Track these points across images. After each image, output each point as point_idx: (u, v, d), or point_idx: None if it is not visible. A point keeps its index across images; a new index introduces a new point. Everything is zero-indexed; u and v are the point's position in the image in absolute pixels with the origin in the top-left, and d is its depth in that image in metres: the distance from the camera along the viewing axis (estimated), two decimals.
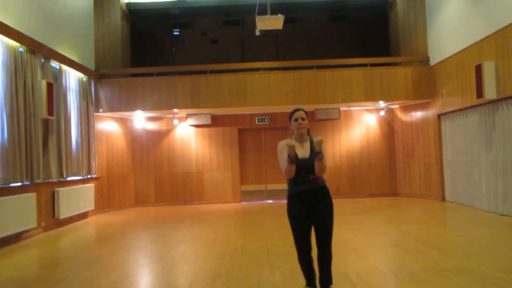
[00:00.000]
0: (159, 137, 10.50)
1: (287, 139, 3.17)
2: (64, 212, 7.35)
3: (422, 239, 5.27)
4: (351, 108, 10.34)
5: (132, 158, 10.34)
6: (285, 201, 3.15)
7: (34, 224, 6.48)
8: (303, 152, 3.06)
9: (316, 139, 2.92)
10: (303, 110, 3.14)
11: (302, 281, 3.23)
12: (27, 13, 6.73)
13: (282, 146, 3.07)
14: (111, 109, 9.27)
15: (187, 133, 10.51)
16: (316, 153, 2.93)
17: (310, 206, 3.04)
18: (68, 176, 7.69)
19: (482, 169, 7.49)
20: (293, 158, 2.90)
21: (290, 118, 3.15)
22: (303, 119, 3.09)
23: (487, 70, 6.86)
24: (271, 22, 6.93)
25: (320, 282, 3.06)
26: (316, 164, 2.96)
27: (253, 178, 10.77)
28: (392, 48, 10.53)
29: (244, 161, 10.68)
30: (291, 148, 2.87)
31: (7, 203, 5.82)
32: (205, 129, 10.50)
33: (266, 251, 4.69)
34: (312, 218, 3.05)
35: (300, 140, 3.11)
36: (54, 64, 7.53)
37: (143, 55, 10.80)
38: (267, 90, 9.23)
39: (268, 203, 10.13)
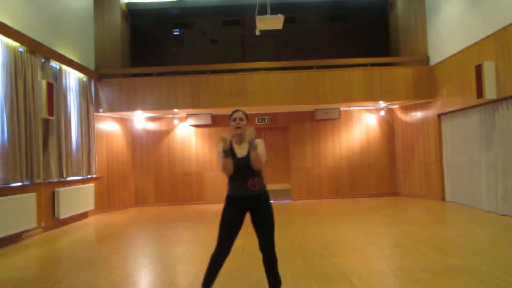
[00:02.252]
0: (159, 137, 10.50)
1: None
2: (64, 212, 7.35)
3: (422, 239, 5.27)
4: (351, 108, 10.34)
5: (132, 158, 10.34)
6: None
7: (34, 224, 6.48)
8: (241, 152, 3.09)
9: (248, 129, 3.01)
10: (243, 112, 3.18)
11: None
12: (27, 13, 6.73)
13: (221, 149, 3.10)
14: (111, 109, 9.27)
15: (187, 133, 10.51)
16: (248, 143, 3.01)
17: (246, 211, 3.07)
18: (68, 176, 7.68)
19: (482, 169, 7.49)
20: (227, 152, 2.97)
21: (230, 117, 3.19)
22: (241, 119, 3.11)
23: (487, 70, 6.86)
24: (271, 22, 6.93)
25: (270, 286, 3.08)
26: (251, 153, 2.99)
27: None
28: (392, 48, 10.52)
29: None
30: (224, 140, 2.96)
31: (7, 203, 5.82)
32: (205, 129, 10.50)
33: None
34: (253, 225, 3.08)
35: (239, 140, 3.14)
36: (54, 64, 7.53)
37: (143, 55, 10.81)
38: (267, 90, 9.23)
39: None
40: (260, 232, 3.06)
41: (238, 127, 3.09)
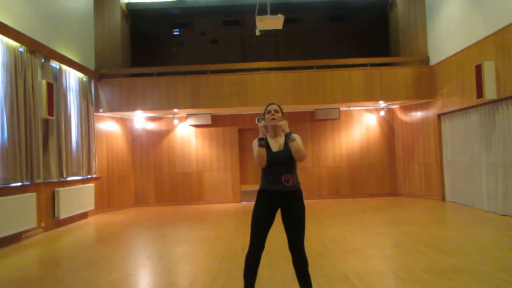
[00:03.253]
0: (159, 137, 10.50)
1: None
2: (64, 212, 7.35)
3: (422, 239, 5.27)
4: (351, 108, 10.34)
5: (132, 158, 10.34)
6: None
7: (34, 224, 6.48)
8: (276, 146, 3.04)
9: (281, 122, 2.97)
10: (278, 105, 3.14)
11: None
12: (27, 13, 6.73)
13: (256, 142, 3.06)
14: (111, 109, 9.27)
15: (187, 133, 10.51)
16: (285, 136, 2.98)
17: (278, 207, 2.99)
18: (68, 176, 7.68)
19: (482, 169, 7.49)
20: (262, 141, 2.93)
21: (264, 112, 3.13)
22: (276, 111, 3.07)
23: (487, 70, 6.86)
24: (271, 22, 6.92)
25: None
26: (291, 145, 2.96)
27: (253, 178, 10.77)
28: (392, 48, 10.52)
29: (244, 161, 10.68)
30: (261, 129, 2.93)
31: (7, 203, 5.82)
32: (205, 129, 10.50)
33: (266, 251, 4.68)
34: (283, 221, 3.00)
35: (274, 134, 3.09)
36: (54, 64, 7.53)
37: (143, 55, 10.81)
38: (267, 90, 9.23)
39: None
40: (291, 230, 2.96)
41: (273, 119, 3.03)
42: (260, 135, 2.93)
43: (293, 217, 2.97)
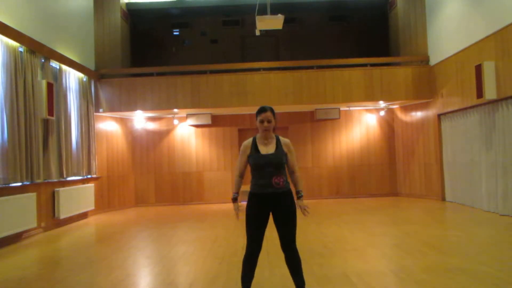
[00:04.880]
0: (159, 137, 10.50)
1: (249, 139, 3.14)
2: (64, 212, 7.35)
3: (422, 239, 5.27)
4: (351, 108, 10.34)
5: (132, 158, 10.34)
6: None
7: (34, 224, 6.48)
8: (267, 149, 3.04)
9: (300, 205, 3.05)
10: (271, 111, 3.06)
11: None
12: (27, 13, 6.73)
13: (244, 148, 3.10)
14: (111, 109, 9.27)
15: (187, 133, 10.51)
16: (297, 192, 3.09)
17: (271, 209, 3.03)
18: (68, 176, 7.68)
19: (482, 169, 7.49)
20: (235, 208, 3.15)
21: (256, 115, 3.08)
22: (269, 121, 3.02)
23: (487, 70, 6.86)
24: (271, 22, 6.93)
25: (296, 285, 3.04)
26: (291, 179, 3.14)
27: None
28: (392, 48, 10.52)
29: None
30: (236, 211, 3.15)
31: (7, 203, 5.82)
32: (205, 129, 10.50)
33: (266, 251, 4.69)
34: (274, 222, 3.04)
35: (264, 137, 3.08)
36: (54, 64, 7.53)
37: (143, 55, 10.81)
38: (267, 90, 9.23)
39: None
40: (282, 228, 2.99)
41: (266, 130, 3.03)
42: (234, 208, 3.18)
43: (284, 217, 3.00)
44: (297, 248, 3.04)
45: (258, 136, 3.11)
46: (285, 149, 3.06)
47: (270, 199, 2.99)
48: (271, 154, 3.00)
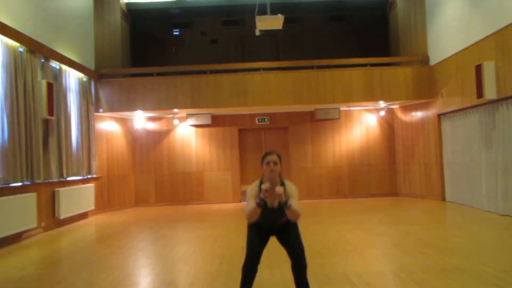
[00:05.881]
0: (159, 137, 10.50)
1: (256, 181, 3.14)
2: (64, 212, 7.35)
3: (422, 239, 5.27)
4: (351, 108, 10.34)
5: (132, 158, 10.34)
6: None
7: (34, 224, 6.48)
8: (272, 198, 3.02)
9: (278, 190, 2.82)
10: (276, 154, 3.07)
11: None
12: (27, 13, 6.73)
13: (252, 193, 3.03)
14: (111, 109, 9.27)
15: (187, 133, 10.51)
16: (282, 204, 2.88)
17: (273, 235, 3.17)
18: (68, 176, 7.68)
19: (482, 169, 7.49)
20: (262, 203, 2.89)
21: (262, 160, 3.09)
22: (275, 163, 3.01)
23: (487, 70, 6.86)
24: (271, 22, 6.92)
25: None
26: (287, 213, 2.93)
27: (253, 178, 10.67)
28: (392, 48, 10.52)
29: (244, 161, 10.68)
30: (264, 192, 2.81)
31: (7, 203, 5.82)
32: (205, 129, 10.50)
33: (266, 251, 4.68)
34: (280, 242, 3.15)
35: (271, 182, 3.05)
36: (54, 64, 7.53)
37: (143, 55, 10.80)
38: (267, 90, 9.23)
39: None
40: (289, 245, 3.04)
41: (272, 171, 3.00)
42: (261, 196, 2.87)
43: (289, 237, 3.07)
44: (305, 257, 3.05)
45: (264, 179, 3.09)
46: (288, 192, 3.03)
47: (273, 230, 3.16)
48: (276, 210, 3.02)
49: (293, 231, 3.07)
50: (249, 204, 2.99)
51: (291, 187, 3.08)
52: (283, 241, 3.11)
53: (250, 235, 3.09)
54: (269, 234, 3.16)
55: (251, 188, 3.09)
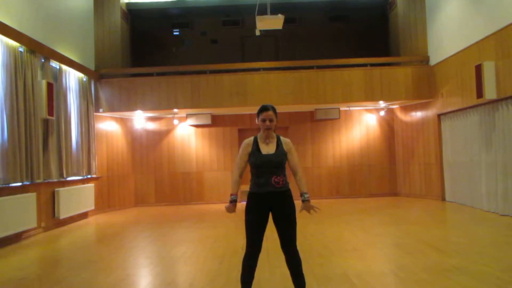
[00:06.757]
0: (159, 137, 10.50)
1: (251, 137, 3.12)
2: (64, 212, 7.35)
3: (422, 239, 5.27)
4: (351, 108, 10.34)
5: (132, 158, 10.34)
6: None
7: (34, 224, 6.48)
8: (267, 148, 3.02)
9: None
10: (272, 109, 3.03)
11: None
12: (27, 13, 6.73)
13: (245, 151, 3.07)
14: (111, 109, 9.27)
15: (187, 133, 10.51)
16: (304, 199, 3.04)
17: (270, 209, 3.01)
18: (68, 176, 7.68)
19: (482, 169, 7.49)
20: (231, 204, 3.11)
21: (258, 114, 3.06)
22: (271, 120, 3.00)
23: (487, 70, 6.86)
24: (271, 22, 6.93)
25: (295, 286, 3.02)
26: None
27: None
28: (392, 48, 10.52)
29: None
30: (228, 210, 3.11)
31: (7, 203, 5.82)
32: (205, 129, 10.50)
33: (266, 251, 4.69)
34: (274, 222, 3.02)
35: (265, 137, 3.05)
36: (54, 64, 7.53)
37: (143, 55, 10.80)
38: (267, 90, 9.23)
39: None
40: (282, 228, 2.98)
41: (268, 129, 3.00)
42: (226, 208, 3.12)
43: (284, 217, 2.99)
44: (298, 249, 3.03)
45: (259, 135, 3.09)
46: (285, 148, 3.05)
47: (270, 198, 2.98)
48: (272, 154, 2.99)
49: (290, 213, 2.98)
50: (240, 158, 3.08)
51: (287, 143, 3.07)
52: (278, 220, 2.99)
53: (249, 222, 3.01)
54: (268, 210, 3.00)
55: (245, 146, 3.05)
